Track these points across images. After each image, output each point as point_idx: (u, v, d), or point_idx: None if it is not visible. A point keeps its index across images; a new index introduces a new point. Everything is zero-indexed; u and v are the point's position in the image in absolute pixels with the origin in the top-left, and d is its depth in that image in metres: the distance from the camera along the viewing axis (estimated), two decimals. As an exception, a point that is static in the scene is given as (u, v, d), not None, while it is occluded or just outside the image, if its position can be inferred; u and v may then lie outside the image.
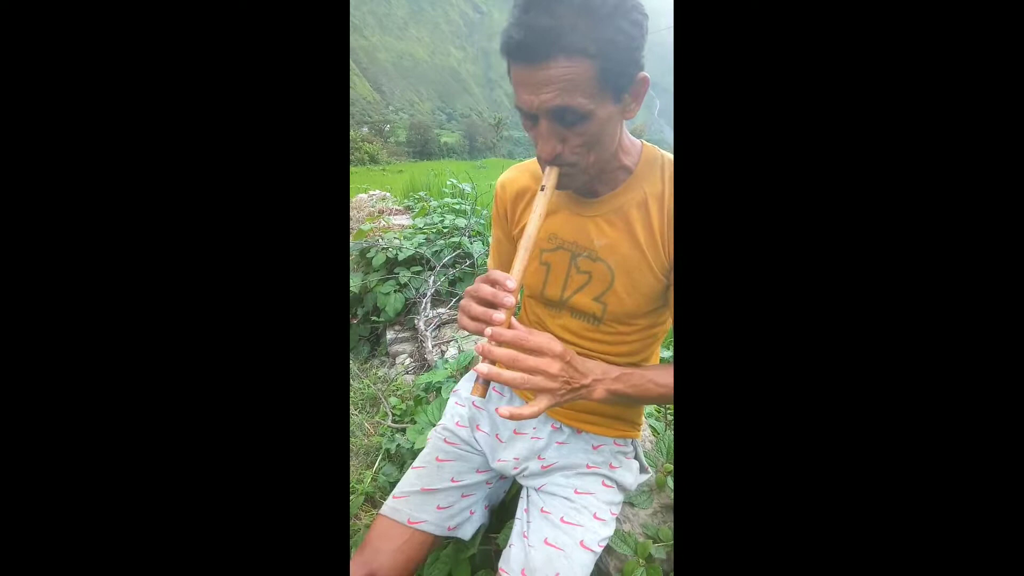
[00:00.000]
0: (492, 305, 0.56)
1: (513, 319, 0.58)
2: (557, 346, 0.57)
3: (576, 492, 0.78)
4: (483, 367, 0.54)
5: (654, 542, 0.85)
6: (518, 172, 0.80)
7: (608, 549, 0.87)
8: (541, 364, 0.55)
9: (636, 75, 0.57)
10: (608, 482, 0.80)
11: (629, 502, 0.93)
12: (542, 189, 0.61)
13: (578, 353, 0.76)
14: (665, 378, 0.67)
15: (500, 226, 0.84)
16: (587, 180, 0.64)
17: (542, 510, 0.77)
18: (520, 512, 0.80)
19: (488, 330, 0.54)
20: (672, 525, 0.89)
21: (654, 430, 1.17)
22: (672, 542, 0.85)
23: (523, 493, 0.82)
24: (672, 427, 1.20)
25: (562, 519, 0.75)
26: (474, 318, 0.56)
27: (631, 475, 0.83)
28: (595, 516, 0.76)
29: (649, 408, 1.27)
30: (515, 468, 0.82)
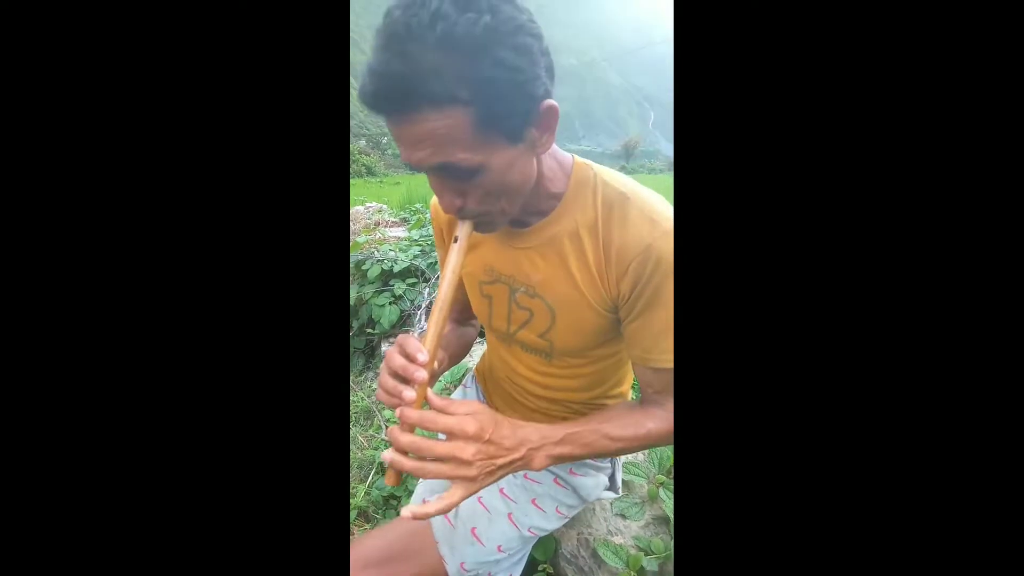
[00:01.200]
0: (405, 379, 0.50)
1: (430, 392, 0.52)
2: (471, 427, 0.49)
3: (525, 476, 0.77)
4: (387, 453, 0.48)
5: (646, 554, 0.85)
6: None
7: (599, 562, 0.87)
8: (453, 449, 0.48)
9: (535, 108, 0.47)
10: (562, 483, 0.78)
11: (621, 514, 0.93)
12: (455, 241, 0.53)
13: (536, 387, 0.73)
14: (622, 430, 0.58)
15: (442, 246, 0.77)
16: (508, 222, 0.57)
17: None
18: None
19: (397, 411, 0.49)
20: (664, 537, 0.89)
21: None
22: (664, 554, 0.85)
23: None
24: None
25: (501, 490, 0.74)
26: (387, 392, 0.51)
27: (592, 486, 0.80)
28: (533, 501, 0.74)
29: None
30: None
